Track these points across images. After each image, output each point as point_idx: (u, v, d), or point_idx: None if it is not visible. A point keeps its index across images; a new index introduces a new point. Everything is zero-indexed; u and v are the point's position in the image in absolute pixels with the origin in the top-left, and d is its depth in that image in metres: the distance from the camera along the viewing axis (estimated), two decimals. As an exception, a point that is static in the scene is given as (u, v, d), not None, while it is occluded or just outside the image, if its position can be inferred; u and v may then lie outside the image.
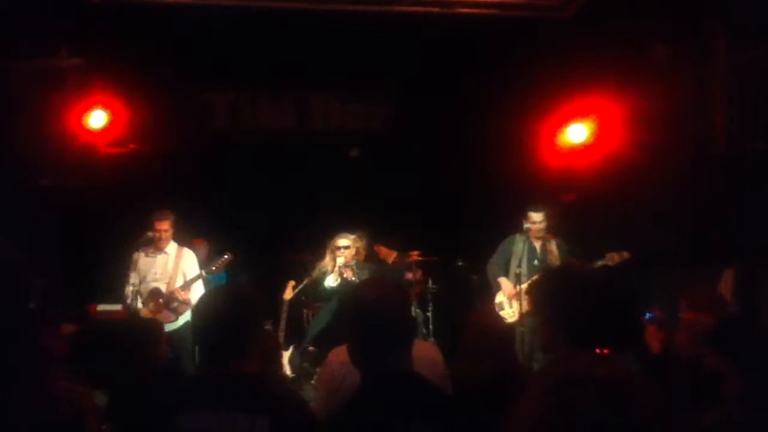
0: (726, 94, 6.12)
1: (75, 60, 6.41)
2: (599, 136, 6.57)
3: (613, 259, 6.01)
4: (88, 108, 6.38)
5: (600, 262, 6.02)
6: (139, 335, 4.19)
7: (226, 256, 6.17)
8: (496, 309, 6.21)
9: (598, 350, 2.10)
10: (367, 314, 2.11)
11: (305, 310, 7.44)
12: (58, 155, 6.39)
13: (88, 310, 6.21)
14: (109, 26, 6.15)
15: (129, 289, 5.94)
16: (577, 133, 6.62)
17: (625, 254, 6.01)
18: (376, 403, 1.98)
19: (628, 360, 3.13)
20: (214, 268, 6.09)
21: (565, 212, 6.67)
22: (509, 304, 6.29)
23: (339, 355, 3.17)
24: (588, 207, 6.76)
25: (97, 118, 6.42)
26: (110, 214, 6.71)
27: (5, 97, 6.21)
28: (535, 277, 6.18)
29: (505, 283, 6.35)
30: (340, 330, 5.70)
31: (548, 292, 2.26)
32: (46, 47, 6.38)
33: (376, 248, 7.58)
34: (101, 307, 6.15)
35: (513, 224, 6.52)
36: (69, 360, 3.81)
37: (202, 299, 2.51)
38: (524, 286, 6.09)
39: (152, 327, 4.34)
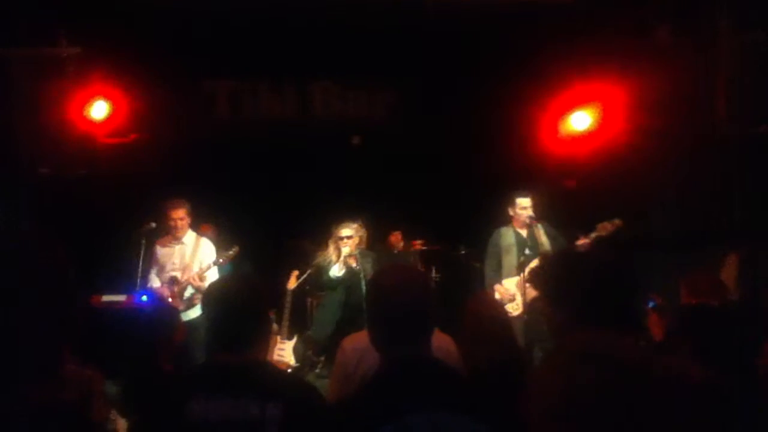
0: (729, 78, 6.07)
1: (74, 49, 6.38)
2: (602, 122, 6.52)
3: (606, 228, 5.89)
4: (88, 97, 6.36)
5: (593, 234, 5.92)
6: (153, 324, 4.19)
7: (232, 251, 6.17)
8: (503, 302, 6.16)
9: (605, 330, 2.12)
10: (390, 299, 2.10)
11: (309, 299, 7.45)
12: (57, 144, 6.37)
13: (88, 299, 6.24)
14: (108, 15, 6.13)
15: (154, 279, 6.00)
16: (580, 120, 6.57)
17: (617, 222, 5.89)
18: (394, 388, 1.98)
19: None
20: (221, 260, 6.09)
21: (565, 198, 6.63)
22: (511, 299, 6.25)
23: (353, 341, 3.17)
24: (590, 193, 6.72)
25: (98, 109, 6.39)
26: (110, 203, 6.70)
27: (4, 86, 6.19)
28: (532, 265, 6.14)
29: (500, 289, 6.28)
30: (348, 320, 5.69)
31: (559, 275, 2.27)
32: (46, 36, 6.35)
33: (392, 236, 7.61)
34: (106, 298, 6.16)
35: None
36: (79, 348, 3.80)
37: (213, 286, 2.52)
38: (521, 276, 6.06)
39: (168, 315, 4.35)
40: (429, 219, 7.63)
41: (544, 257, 2.54)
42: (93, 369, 2.85)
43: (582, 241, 5.95)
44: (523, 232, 6.26)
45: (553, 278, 2.27)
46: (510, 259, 6.21)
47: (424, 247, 7.50)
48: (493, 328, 3.74)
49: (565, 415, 1.97)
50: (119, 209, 6.52)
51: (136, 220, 6.11)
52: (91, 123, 6.39)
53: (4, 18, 5.77)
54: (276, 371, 2.45)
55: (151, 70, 6.57)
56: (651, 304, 4.20)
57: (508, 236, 6.28)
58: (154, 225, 5.97)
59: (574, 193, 6.88)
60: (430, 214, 7.64)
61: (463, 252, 7.50)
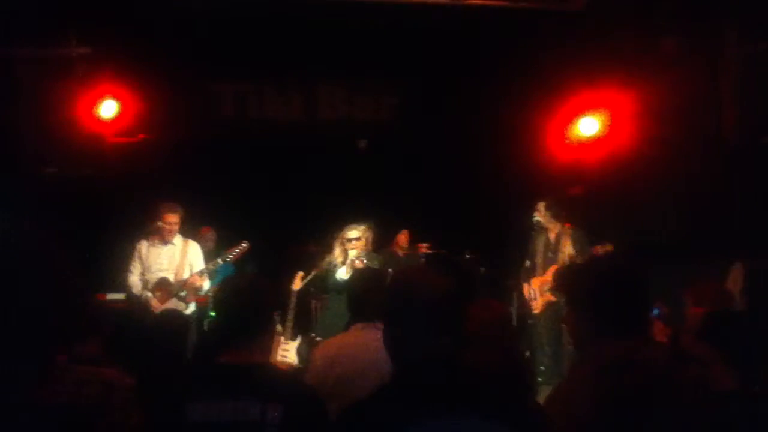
0: (737, 87, 6.07)
1: (83, 49, 6.41)
2: (609, 129, 6.53)
3: (597, 252, 6.05)
4: (97, 97, 6.38)
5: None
6: (170, 326, 4.20)
7: (243, 245, 6.16)
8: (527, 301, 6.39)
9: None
10: (416, 295, 1.99)
11: (313, 301, 7.42)
12: (65, 144, 6.39)
13: (96, 298, 6.24)
14: (117, 15, 6.15)
15: (134, 278, 5.97)
16: (588, 126, 6.60)
17: (608, 246, 6.04)
18: (414, 391, 1.87)
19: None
20: (231, 256, 6.09)
21: (573, 205, 6.64)
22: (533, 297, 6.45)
23: (323, 349, 3.17)
24: (597, 200, 6.72)
25: (108, 108, 6.42)
26: (117, 203, 6.72)
27: (13, 86, 6.22)
28: (552, 269, 6.23)
29: (526, 287, 6.49)
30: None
31: (586, 285, 2.23)
32: (55, 36, 6.38)
33: (400, 235, 7.63)
34: (110, 296, 6.17)
35: (522, 217, 6.50)
36: (105, 347, 3.79)
37: (222, 287, 2.52)
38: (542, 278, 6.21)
39: (181, 319, 4.36)
40: (434, 223, 7.62)
41: (570, 265, 2.50)
42: (121, 372, 2.83)
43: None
44: (551, 236, 6.37)
45: (581, 287, 2.24)
46: (538, 259, 6.43)
47: (429, 251, 7.48)
48: (495, 333, 3.74)
49: (597, 426, 1.95)
50: (125, 208, 6.54)
51: (141, 220, 6.13)
52: (99, 123, 6.42)
53: (13, 18, 5.79)
54: (277, 373, 2.46)
55: (159, 71, 6.60)
56: (655, 312, 4.20)
57: (540, 237, 6.46)
58: (160, 225, 5.98)
59: (580, 200, 6.87)
60: (436, 218, 7.63)
61: (467, 256, 7.49)
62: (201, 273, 5.94)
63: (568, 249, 6.26)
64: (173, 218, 5.97)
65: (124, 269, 6.01)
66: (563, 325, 6.16)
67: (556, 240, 6.35)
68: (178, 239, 6.06)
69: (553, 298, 6.25)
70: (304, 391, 2.30)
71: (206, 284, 5.99)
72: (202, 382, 2.25)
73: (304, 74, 7.24)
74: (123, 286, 6.01)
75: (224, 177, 7.54)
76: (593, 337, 2.15)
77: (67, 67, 6.36)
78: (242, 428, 2.09)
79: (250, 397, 2.11)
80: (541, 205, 6.36)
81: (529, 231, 6.50)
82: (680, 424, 1.98)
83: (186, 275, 5.97)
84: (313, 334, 6.76)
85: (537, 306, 6.32)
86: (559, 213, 6.35)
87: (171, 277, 5.94)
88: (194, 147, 7.13)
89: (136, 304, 5.83)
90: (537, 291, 6.33)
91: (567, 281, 2.37)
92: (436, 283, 2.03)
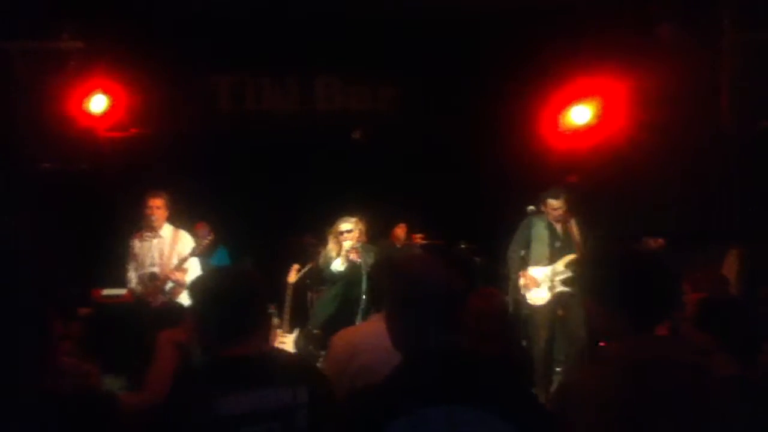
0: (734, 74, 6.06)
1: (76, 42, 6.38)
2: (604, 117, 6.51)
3: (648, 245, 5.90)
4: (90, 91, 6.35)
5: None
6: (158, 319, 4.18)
7: (207, 239, 6.07)
8: (522, 292, 6.20)
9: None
10: (416, 284, 1.98)
11: (309, 294, 7.44)
12: (59, 139, 6.36)
13: (91, 293, 6.21)
14: (110, 8, 6.12)
15: (130, 274, 5.93)
16: (580, 114, 6.56)
17: (660, 241, 5.88)
18: (411, 379, 1.88)
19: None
20: (197, 250, 5.95)
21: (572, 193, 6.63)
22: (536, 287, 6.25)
23: (344, 337, 3.13)
24: (592, 188, 6.71)
25: (97, 103, 6.38)
26: (111, 197, 6.68)
27: (6, 80, 6.18)
28: (568, 259, 6.14)
29: (526, 275, 6.25)
30: (348, 313, 5.63)
31: (613, 278, 2.19)
32: (48, 29, 6.35)
33: (398, 228, 7.62)
34: (106, 291, 6.12)
35: (517, 206, 6.48)
36: (83, 342, 3.79)
37: (204, 279, 2.47)
38: (552, 268, 6.12)
39: (174, 312, 4.33)
40: (429, 213, 7.62)
41: (601, 258, 2.41)
42: (91, 364, 2.84)
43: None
44: (557, 226, 6.22)
45: (616, 281, 2.18)
46: (540, 248, 6.21)
47: (425, 242, 7.49)
48: (494, 324, 3.74)
49: (635, 422, 1.95)
50: (120, 203, 6.51)
51: (136, 214, 6.09)
52: (92, 117, 6.39)
53: (6, 11, 5.75)
54: (293, 357, 2.58)
55: (155, 64, 6.56)
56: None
57: (540, 226, 6.24)
58: (147, 214, 5.92)
59: (576, 188, 6.86)
60: (431, 209, 7.64)
61: (463, 246, 7.49)
62: (176, 268, 5.82)
63: (576, 238, 6.16)
64: (156, 202, 5.86)
65: (124, 268, 5.97)
66: (559, 315, 6.18)
67: (563, 230, 6.19)
68: (167, 230, 5.94)
69: (569, 290, 6.09)
70: (319, 372, 2.46)
71: (190, 277, 5.88)
72: (219, 375, 2.20)
73: (300, 66, 7.21)
74: (123, 282, 5.96)
75: (221, 169, 7.52)
76: (623, 332, 2.12)
77: (61, 61, 6.33)
78: (278, 414, 2.15)
79: (280, 383, 2.18)
80: (559, 202, 6.10)
81: (522, 220, 6.43)
82: (717, 417, 2.00)
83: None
84: (310, 326, 6.78)
85: (546, 296, 6.14)
86: (571, 204, 6.23)
87: (158, 271, 5.87)
88: (191, 140, 7.10)
89: (137, 300, 5.79)
90: (545, 282, 6.14)
91: (598, 276, 2.26)
92: (441, 275, 2.02)
